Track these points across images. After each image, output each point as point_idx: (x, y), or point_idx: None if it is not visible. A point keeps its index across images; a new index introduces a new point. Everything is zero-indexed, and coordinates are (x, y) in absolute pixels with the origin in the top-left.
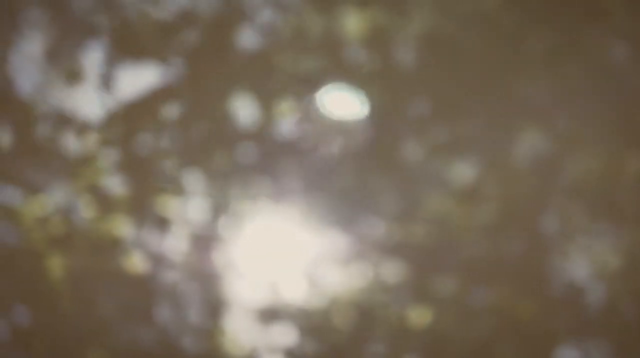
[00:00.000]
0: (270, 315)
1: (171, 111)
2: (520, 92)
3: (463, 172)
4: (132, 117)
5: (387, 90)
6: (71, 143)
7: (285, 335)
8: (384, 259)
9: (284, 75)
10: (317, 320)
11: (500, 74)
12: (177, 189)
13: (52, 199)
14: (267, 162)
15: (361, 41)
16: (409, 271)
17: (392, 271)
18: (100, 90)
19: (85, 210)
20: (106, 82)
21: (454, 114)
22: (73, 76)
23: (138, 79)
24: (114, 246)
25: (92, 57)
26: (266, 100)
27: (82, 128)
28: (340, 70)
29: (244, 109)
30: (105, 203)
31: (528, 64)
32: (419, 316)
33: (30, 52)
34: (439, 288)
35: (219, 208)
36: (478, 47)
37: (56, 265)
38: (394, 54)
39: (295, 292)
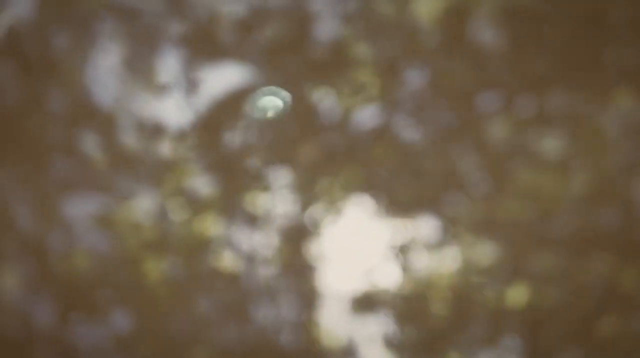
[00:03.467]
0: (365, 304)
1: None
2: (608, 59)
3: (553, 143)
4: (216, 117)
5: (468, 69)
6: (156, 148)
7: (382, 323)
8: (477, 239)
9: (362, 64)
10: (413, 306)
11: (586, 42)
12: (265, 185)
13: (143, 205)
14: (353, 151)
15: (435, 22)
16: (503, 249)
17: (486, 251)
18: (181, 93)
19: (177, 213)
20: (187, 85)
21: (540, 86)
22: (152, 82)
23: (218, 79)
24: (207, 246)
25: (170, 62)
26: (347, 89)
27: (166, 132)
28: (417, 53)
29: (326, 100)
30: (196, 205)
31: (615, 29)
32: (517, 295)
33: (107, 63)
34: (536, 265)
35: (308, 201)
36: (560, 17)
37: (152, 269)
38: (472, 32)
39: (389, 279)
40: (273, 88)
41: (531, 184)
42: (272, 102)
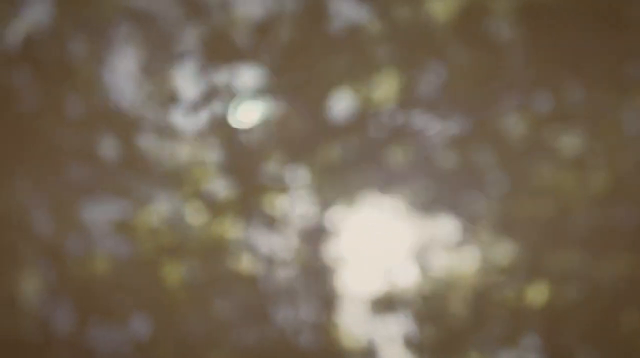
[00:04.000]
0: (384, 305)
1: (271, 109)
2: (626, 56)
3: (571, 140)
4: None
5: (485, 65)
6: (174, 151)
7: (402, 324)
8: (496, 238)
9: (378, 64)
10: (433, 306)
11: (604, 39)
12: (283, 186)
13: (160, 208)
14: (370, 151)
15: (451, 20)
16: (522, 248)
17: (505, 250)
18: (198, 97)
19: (195, 216)
20: (203, 88)
21: (557, 83)
22: (169, 86)
23: (235, 81)
24: (226, 249)
25: (186, 66)
26: (364, 89)
27: (183, 136)
28: (434, 52)
29: (343, 101)
30: (214, 207)
31: (634, 26)
32: (536, 294)
33: (124, 67)
34: (555, 263)
35: (326, 202)
36: (577, 13)
37: (171, 273)
38: (489, 30)
39: (409, 279)
40: (252, 93)
41: (549, 182)
42: (251, 109)
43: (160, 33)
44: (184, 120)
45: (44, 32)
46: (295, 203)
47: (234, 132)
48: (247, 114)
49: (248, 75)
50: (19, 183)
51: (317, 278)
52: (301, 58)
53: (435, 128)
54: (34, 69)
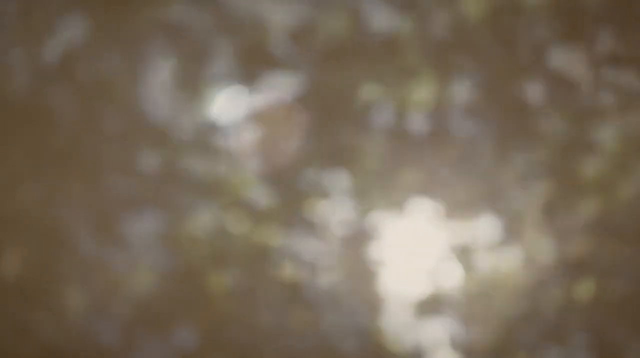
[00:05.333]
0: (430, 307)
1: (308, 116)
2: None
3: (613, 135)
4: (271, 127)
5: (522, 63)
6: (212, 161)
7: (448, 326)
8: (540, 236)
9: (413, 65)
10: (479, 307)
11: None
12: (323, 192)
13: (203, 219)
14: (410, 154)
15: (484, 20)
16: (567, 244)
17: (550, 247)
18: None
19: (237, 225)
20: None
21: (595, 78)
22: (205, 97)
23: (272, 90)
24: (269, 256)
25: (221, 76)
26: (400, 92)
27: (220, 145)
28: (466, 52)
29: (381, 104)
30: (255, 215)
31: None
32: (584, 290)
33: (160, 80)
34: (601, 258)
35: (367, 206)
36: (612, 11)
37: (216, 282)
38: (524, 30)
39: (453, 281)
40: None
41: (592, 177)
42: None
43: (194, 44)
44: (221, 130)
45: (80, 49)
46: (337, 209)
47: (272, 139)
48: (225, 105)
49: (284, 83)
50: (61, 199)
51: (360, 283)
52: (337, 63)
53: (473, 127)
54: (72, 86)
